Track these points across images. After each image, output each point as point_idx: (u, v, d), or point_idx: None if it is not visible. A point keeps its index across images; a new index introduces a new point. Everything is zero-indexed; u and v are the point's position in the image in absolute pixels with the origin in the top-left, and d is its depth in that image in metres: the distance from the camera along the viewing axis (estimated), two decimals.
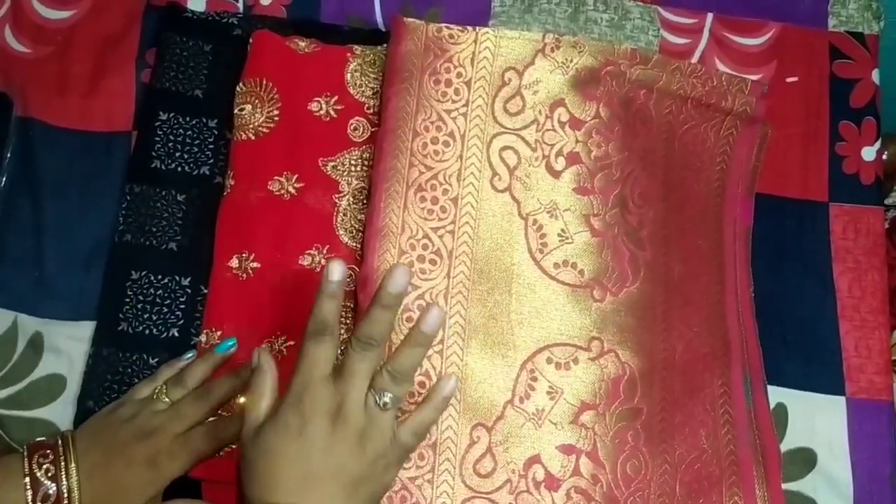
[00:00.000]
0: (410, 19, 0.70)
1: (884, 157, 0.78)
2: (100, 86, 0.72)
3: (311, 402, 0.51)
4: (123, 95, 0.73)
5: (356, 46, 0.72)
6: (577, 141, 0.70)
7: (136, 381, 0.64)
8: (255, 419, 0.53)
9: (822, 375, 0.72)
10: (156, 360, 0.65)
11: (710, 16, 0.80)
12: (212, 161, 0.70)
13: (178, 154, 0.70)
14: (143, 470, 0.56)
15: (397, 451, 0.54)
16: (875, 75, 0.79)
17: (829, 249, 0.75)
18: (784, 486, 0.68)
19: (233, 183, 0.67)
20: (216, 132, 0.71)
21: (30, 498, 0.54)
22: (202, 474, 0.61)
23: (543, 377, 0.66)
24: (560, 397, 0.65)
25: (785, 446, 0.70)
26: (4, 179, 0.70)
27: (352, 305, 0.66)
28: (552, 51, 0.71)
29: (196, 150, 0.71)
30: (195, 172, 0.70)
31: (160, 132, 0.70)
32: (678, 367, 0.68)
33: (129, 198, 0.69)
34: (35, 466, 0.55)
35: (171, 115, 0.71)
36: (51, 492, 0.55)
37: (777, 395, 0.71)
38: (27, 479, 0.54)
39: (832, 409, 0.71)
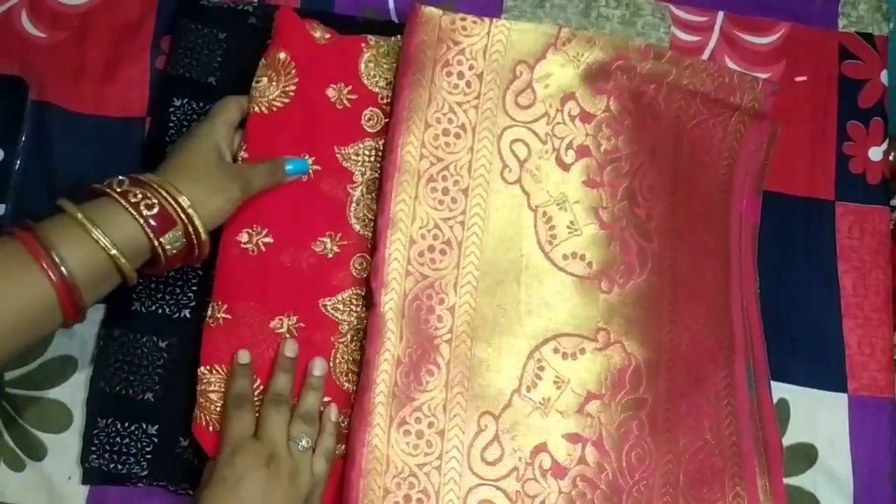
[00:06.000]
0: (427, 7, 0.71)
1: (890, 157, 0.79)
2: (115, 72, 0.73)
3: (243, 457, 0.57)
4: (138, 81, 0.73)
5: (370, 37, 0.72)
6: (587, 134, 0.71)
7: (147, 362, 0.65)
8: (201, 486, 0.58)
9: (825, 372, 0.73)
10: (166, 342, 0.66)
11: (720, 14, 0.80)
12: None
13: None
14: None
15: (319, 481, 0.61)
16: (884, 76, 0.80)
17: (835, 248, 0.76)
18: (785, 481, 0.68)
19: (245, 156, 0.67)
20: None
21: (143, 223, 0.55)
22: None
23: (550, 367, 0.66)
24: (566, 387, 0.66)
25: (786, 441, 0.70)
26: (19, 162, 0.70)
27: (363, 293, 0.67)
28: (564, 44, 0.72)
29: None
30: None
31: (174, 118, 0.71)
32: (683, 358, 0.69)
33: None
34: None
35: (185, 101, 0.71)
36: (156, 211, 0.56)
37: (780, 390, 0.72)
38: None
39: (834, 406, 0.72)
